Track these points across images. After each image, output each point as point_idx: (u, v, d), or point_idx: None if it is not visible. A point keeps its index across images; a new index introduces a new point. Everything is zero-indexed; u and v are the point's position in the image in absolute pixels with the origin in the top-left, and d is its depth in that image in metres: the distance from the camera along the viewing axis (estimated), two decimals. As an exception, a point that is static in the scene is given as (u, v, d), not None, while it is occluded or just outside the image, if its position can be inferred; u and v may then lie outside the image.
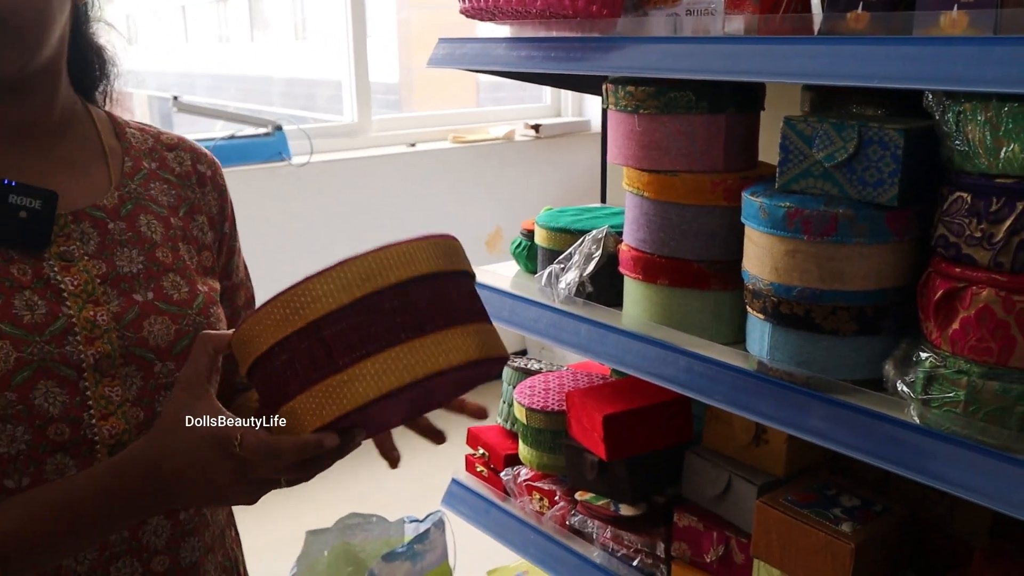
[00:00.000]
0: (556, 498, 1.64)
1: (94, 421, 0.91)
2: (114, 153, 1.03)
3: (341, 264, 0.79)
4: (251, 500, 0.86)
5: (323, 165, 3.60)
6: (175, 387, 0.84)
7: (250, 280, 1.19)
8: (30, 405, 0.87)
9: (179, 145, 1.09)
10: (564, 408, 1.62)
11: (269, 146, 3.54)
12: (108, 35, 1.09)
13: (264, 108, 9.44)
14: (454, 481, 1.86)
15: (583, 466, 1.55)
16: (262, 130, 3.57)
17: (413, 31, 8.02)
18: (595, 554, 1.57)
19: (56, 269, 0.92)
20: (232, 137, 3.51)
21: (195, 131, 3.83)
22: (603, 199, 2.07)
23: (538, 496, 1.68)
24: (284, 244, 3.57)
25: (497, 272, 1.79)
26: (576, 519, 1.59)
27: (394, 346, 0.78)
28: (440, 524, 2.19)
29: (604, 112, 2.05)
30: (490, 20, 1.53)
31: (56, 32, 0.93)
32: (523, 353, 4.18)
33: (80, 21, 1.03)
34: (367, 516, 2.26)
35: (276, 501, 3.28)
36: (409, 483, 3.32)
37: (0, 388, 0.86)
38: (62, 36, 0.95)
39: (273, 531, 3.04)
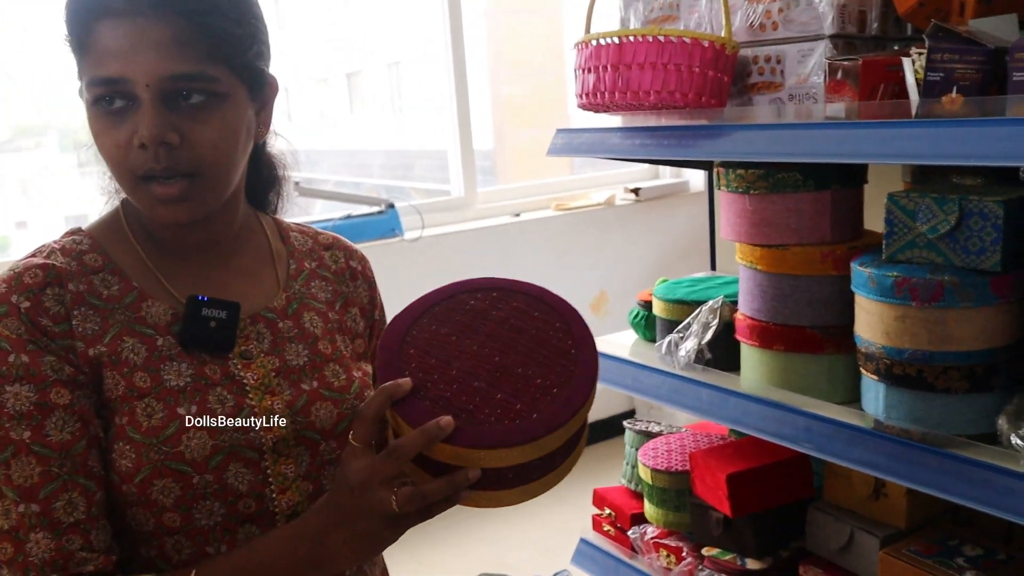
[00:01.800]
0: (683, 554, 1.73)
1: (274, 495, 1.04)
2: (280, 257, 1.15)
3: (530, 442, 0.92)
4: (395, 539, 0.97)
5: (434, 239, 3.78)
6: (346, 457, 0.96)
7: None
8: (224, 484, 1.00)
9: (334, 244, 1.22)
10: (687, 468, 1.72)
11: (383, 223, 3.74)
12: (276, 143, 1.20)
13: (365, 180, 9.82)
14: (583, 541, 1.96)
15: (708, 523, 1.64)
16: (375, 208, 3.78)
17: (505, 99, 8.29)
18: (724, 607, 1.65)
19: (239, 367, 1.05)
20: (348, 217, 3.73)
21: (311, 213, 4.07)
22: (712, 267, 2.17)
23: (665, 553, 1.77)
24: (400, 315, 3.75)
25: (617, 342, 1.91)
26: (704, 574, 1.68)
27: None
28: (568, 582, 2.30)
29: (710, 184, 2.17)
30: (604, 112, 1.68)
31: (241, 171, 1.05)
32: (632, 414, 4.27)
33: (258, 146, 1.15)
34: (496, 575, 2.38)
35: (409, 567, 3.42)
36: (531, 545, 3.42)
37: (200, 471, 0.99)
38: (243, 171, 1.08)
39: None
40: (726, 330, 1.62)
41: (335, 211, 3.82)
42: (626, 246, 4.18)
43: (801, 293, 1.46)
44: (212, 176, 0.99)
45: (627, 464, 1.95)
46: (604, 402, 4.19)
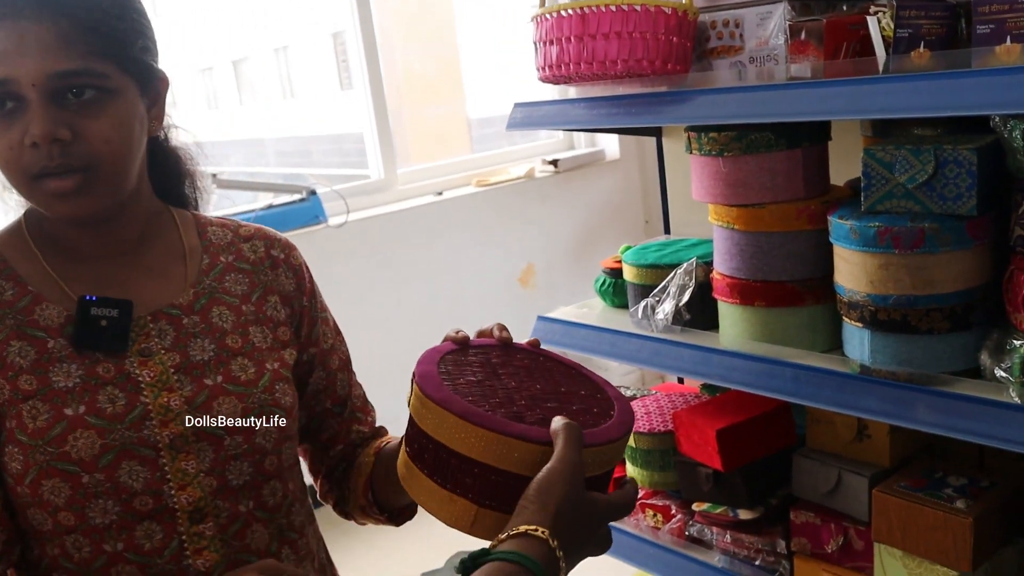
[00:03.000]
0: (672, 512, 1.78)
1: (173, 492, 1.04)
2: (193, 253, 1.15)
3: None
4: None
5: (359, 223, 3.74)
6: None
7: (343, 344, 1.31)
8: (116, 482, 1.01)
9: (255, 235, 1.22)
10: (670, 428, 1.76)
11: (306, 211, 3.67)
12: (179, 136, 1.20)
13: (261, 169, 9.59)
14: (565, 508, 1.99)
15: (697, 479, 1.69)
16: (297, 196, 3.71)
17: (397, 78, 8.21)
18: (716, 559, 1.71)
19: (136, 364, 1.06)
20: (270, 206, 3.65)
21: (229, 205, 3.97)
22: (667, 230, 2.22)
23: (652, 512, 1.82)
24: (332, 304, 3.70)
25: (583, 311, 1.93)
26: (694, 528, 1.73)
27: None
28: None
29: (660, 149, 2.21)
30: (566, 83, 1.69)
31: (137, 166, 1.06)
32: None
33: (156, 139, 1.14)
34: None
35: (388, 542, 3.42)
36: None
37: (89, 470, 1.00)
38: (141, 164, 1.09)
39: (385, 572, 3.15)
40: (701, 290, 1.66)
41: (255, 202, 3.73)
42: (550, 217, 4.21)
43: (779, 249, 1.51)
44: (106, 170, 1.00)
45: (603, 430, 1.98)
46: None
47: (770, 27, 1.54)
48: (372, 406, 1.32)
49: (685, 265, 1.67)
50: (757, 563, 1.65)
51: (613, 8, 1.52)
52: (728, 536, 1.67)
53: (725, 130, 1.51)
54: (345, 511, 1.28)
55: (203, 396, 1.07)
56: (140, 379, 1.05)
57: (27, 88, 0.95)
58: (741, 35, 1.57)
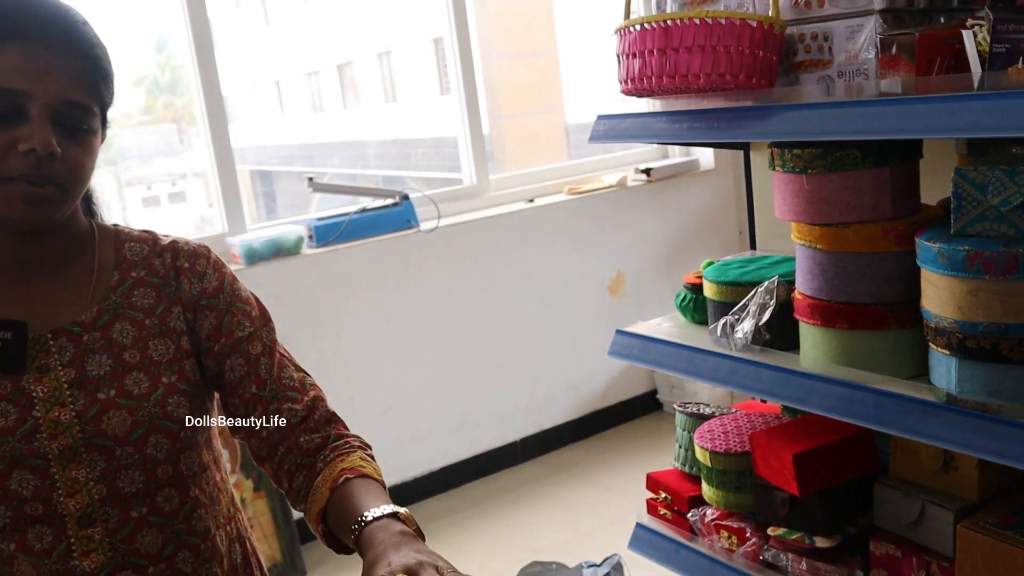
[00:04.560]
0: (747, 535, 1.74)
1: (62, 499, 1.13)
2: (104, 269, 1.22)
3: None
4: None
5: (450, 229, 3.77)
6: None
7: (269, 332, 1.30)
8: (7, 490, 1.11)
9: (167, 249, 1.27)
10: (746, 449, 1.72)
11: (398, 215, 3.73)
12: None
13: (362, 171, 9.78)
14: (639, 525, 1.96)
15: (773, 503, 1.64)
16: (390, 201, 3.77)
17: (500, 85, 8.26)
18: (791, 586, 1.66)
19: (31, 381, 1.14)
20: (364, 210, 3.71)
21: (326, 208, 4.06)
22: (752, 246, 2.17)
23: (726, 534, 1.78)
24: (422, 308, 3.75)
25: (664, 326, 1.90)
26: (769, 553, 1.68)
27: None
28: (619, 567, 2.30)
29: (747, 164, 2.17)
30: (649, 96, 1.66)
31: (85, 190, 1.18)
32: (654, 393, 4.28)
33: None
34: (547, 564, 2.38)
35: (463, 544, 3.45)
36: (562, 528, 3.44)
37: None
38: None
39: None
40: (782, 310, 1.62)
41: (350, 205, 3.80)
42: (641, 226, 4.18)
43: (864, 270, 1.46)
44: (72, 192, 1.13)
45: (680, 447, 1.95)
46: (625, 383, 4.20)
47: (860, 40, 1.49)
48: (313, 389, 1.30)
49: (766, 283, 1.63)
50: (834, 593, 1.60)
51: (697, 21, 1.49)
52: (804, 564, 1.62)
53: (809, 147, 1.47)
54: (297, 509, 1.27)
55: (94, 410, 1.15)
56: (34, 394, 1.14)
57: (38, 105, 1.07)
58: (830, 48, 1.53)
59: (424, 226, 3.74)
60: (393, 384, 3.73)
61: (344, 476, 1.16)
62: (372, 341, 3.67)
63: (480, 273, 3.86)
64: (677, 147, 4.34)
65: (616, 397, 4.25)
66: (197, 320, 1.25)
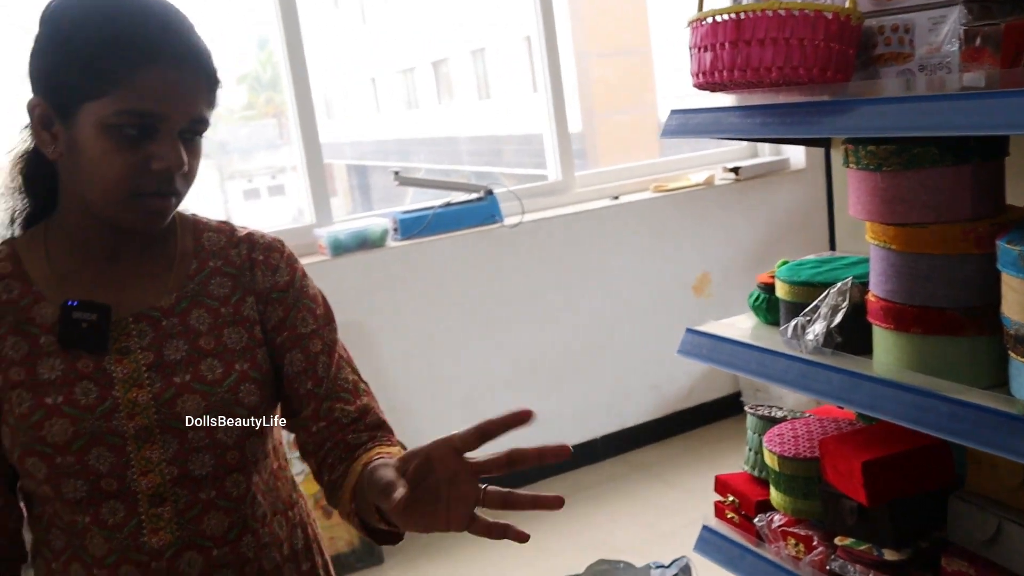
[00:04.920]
0: (814, 543, 1.68)
1: (136, 477, 1.17)
2: (184, 257, 1.27)
3: None
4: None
5: (534, 224, 3.77)
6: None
7: (331, 332, 1.34)
8: (85, 465, 1.15)
9: (242, 240, 1.31)
10: (816, 454, 1.67)
11: (482, 210, 3.75)
12: None
13: (456, 167, 9.87)
14: (705, 528, 1.93)
15: (842, 511, 1.59)
16: (475, 195, 3.79)
17: (592, 81, 8.22)
18: (859, 598, 1.60)
19: (112, 362, 1.19)
20: (448, 204, 3.75)
21: (411, 201, 4.10)
22: (832, 246, 2.10)
23: (793, 541, 1.73)
24: (504, 303, 3.76)
25: (736, 325, 1.86)
26: (836, 564, 1.63)
27: None
28: (687, 569, 2.26)
29: (827, 161, 2.10)
30: (721, 91, 1.63)
31: None
32: (738, 396, 4.20)
33: None
34: (615, 563, 2.35)
35: (517, 548, 3.44)
36: (646, 530, 3.40)
37: (62, 453, 1.15)
38: None
39: (504, 569, 3.18)
40: (856, 312, 1.56)
41: (435, 199, 3.84)
42: (727, 226, 4.10)
43: (940, 273, 1.40)
44: (184, 197, 1.20)
45: (750, 450, 1.91)
46: (708, 384, 4.14)
47: (943, 32, 1.42)
48: (366, 395, 1.33)
49: (840, 285, 1.58)
50: (903, 608, 1.54)
51: (770, 13, 1.45)
52: (872, 576, 1.56)
53: (884, 143, 1.41)
54: (332, 504, 1.29)
55: (170, 393, 1.19)
56: (114, 375, 1.18)
57: (171, 124, 1.12)
58: (911, 41, 1.47)
59: (508, 221, 3.74)
60: (473, 377, 3.75)
61: (380, 457, 1.17)
62: (453, 334, 3.69)
63: (563, 269, 3.85)
64: (767, 146, 4.24)
65: (698, 399, 4.18)
66: (266, 312, 1.29)
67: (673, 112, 1.75)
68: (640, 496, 3.68)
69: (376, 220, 3.62)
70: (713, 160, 4.29)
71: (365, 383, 1.35)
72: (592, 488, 3.79)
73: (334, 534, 3.39)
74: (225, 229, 1.32)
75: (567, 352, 3.92)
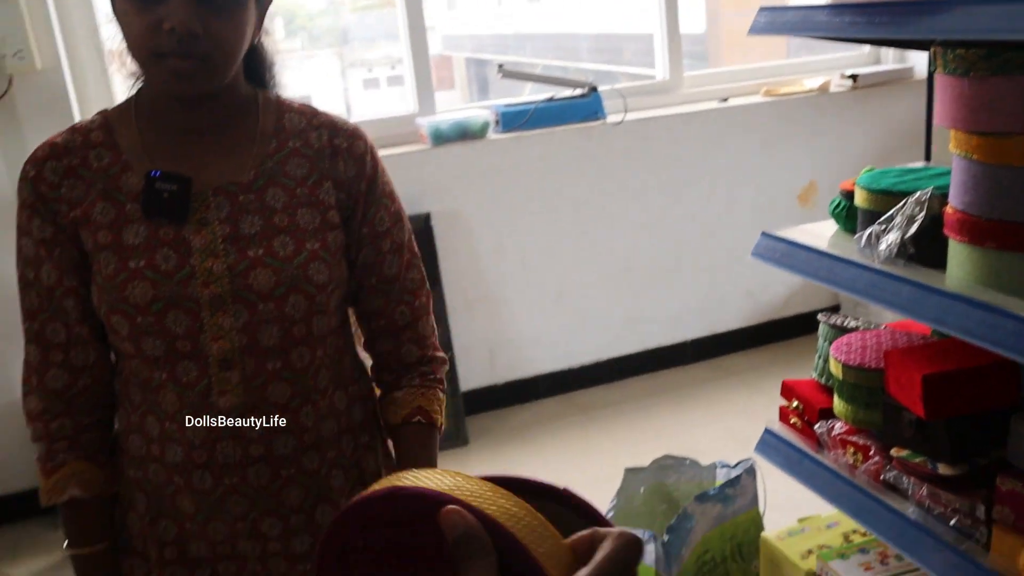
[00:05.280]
0: (871, 453, 1.68)
1: (208, 341, 1.25)
2: (264, 136, 1.31)
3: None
4: None
5: (636, 123, 3.73)
6: None
7: (403, 233, 1.40)
8: (163, 326, 1.24)
9: (324, 124, 1.34)
10: (881, 366, 1.65)
11: (585, 107, 3.72)
12: (270, 36, 1.38)
13: (573, 64, 9.73)
14: (767, 431, 1.94)
15: (900, 423, 1.58)
16: (579, 91, 3.76)
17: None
18: (910, 510, 1.60)
19: (191, 232, 1.25)
20: (551, 100, 3.73)
21: (517, 95, 4.10)
22: (927, 157, 2.03)
23: (852, 450, 1.73)
24: (602, 200, 3.76)
25: (815, 231, 1.83)
26: (891, 474, 1.63)
27: None
28: (752, 471, 2.30)
29: (931, 66, 2.01)
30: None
31: (238, 64, 1.25)
32: (836, 309, 4.12)
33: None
34: (681, 459, 2.41)
35: (597, 440, 3.55)
36: (723, 431, 3.43)
37: (143, 314, 1.23)
38: (240, 62, 1.25)
39: (593, 467, 3.27)
40: (933, 224, 1.52)
41: (539, 94, 3.83)
42: (840, 135, 3.96)
43: (1021, 186, 1.34)
44: (218, 63, 1.20)
45: (819, 358, 1.90)
46: (806, 296, 4.07)
47: (1053, -70, 1.33)
48: (427, 296, 1.43)
49: (918, 194, 1.53)
50: (952, 523, 1.53)
51: (867, -96, 1.39)
52: (925, 489, 1.56)
53: (975, 47, 1.35)
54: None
55: (243, 265, 1.24)
56: (192, 244, 1.24)
57: None
58: (1019, -62, 1.38)
59: (610, 119, 3.71)
60: (567, 273, 3.79)
61: (418, 418, 1.34)
62: (549, 228, 3.73)
63: (664, 170, 3.81)
64: (890, 53, 4.04)
65: (794, 309, 4.13)
66: (345, 201, 1.34)
67: (762, 10, 1.70)
68: (724, 401, 3.69)
69: (478, 112, 3.64)
70: (831, 66, 4.12)
71: (428, 286, 1.44)
72: (677, 390, 3.82)
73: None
74: (307, 112, 1.36)
75: (662, 253, 3.91)
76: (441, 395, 1.42)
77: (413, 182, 3.38)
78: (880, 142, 3.98)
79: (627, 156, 3.75)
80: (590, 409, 3.71)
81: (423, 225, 3.45)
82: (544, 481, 0.68)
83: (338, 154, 1.33)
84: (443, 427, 1.42)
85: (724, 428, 3.46)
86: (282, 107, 1.35)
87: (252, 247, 1.26)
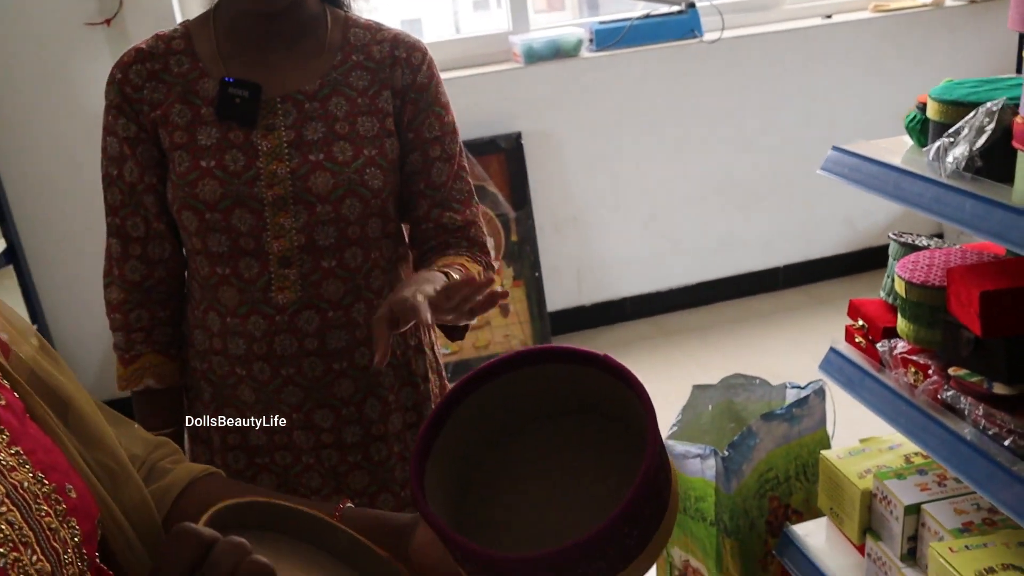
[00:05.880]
0: (930, 372, 1.65)
1: (269, 239, 1.33)
2: (331, 49, 1.39)
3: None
4: None
5: (734, 41, 3.63)
6: None
7: (453, 142, 1.43)
8: (228, 224, 1.32)
9: (386, 39, 1.40)
10: (944, 283, 1.61)
11: (682, 24, 3.64)
12: None
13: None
14: (832, 349, 1.92)
15: (959, 342, 1.54)
16: (675, 8, 3.67)
17: None
18: (966, 431, 1.57)
19: (259, 136, 1.33)
20: (647, 16, 3.66)
21: (614, 11, 4.03)
22: (1019, 69, 1.92)
23: (912, 369, 1.70)
24: (696, 121, 3.69)
25: (887, 147, 1.78)
26: (948, 394, 1.60)
27: None
28: (821, 392, 2.28)
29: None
30: None
31: None
32: (939, 236, 3.97)
33: None
34: (751, 378, 2.41)
35: (681, 363, 3.56)
36: (805, 359, 3.39)
37: (211, 210, 1.32)
38: None
39: (661, 383, 3.30)
40: (1004, 137, 1.46)
41: (633, 11, 3.76)
42: (954, 53, 3.77)
43: (1092, 94, 1.28)
44: None
45: (887, 276, 1.86)
46: (906, 224, 3.93)
47: None
48: (477, 207, 1.46)
49: (989, 104, 1.46)
50: (1007, 443, 1.50)
51: None
52: (981, 409, 1.53)
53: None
54: None
55: (305, 168, 1.32)
56: (259, 147, 1.32)
57: None
58: None
59: (707, 37, 3.63)
60: (659, 195, 3.76)
61: (456, 266, 1.34)
62: (642, 149, 3.70)
63: (762, 90, 3.71)
64: (1015, -37, 3.79)
65: (876, 230, 3.99)
66: (401, 107, 1.40)
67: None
68: (812, 329, 3.64)
69: (571, 29, 3.60)
70: (948, -21, 3.90)
71: (476, 201, 1.47)
72: (767, 316, 3.78)
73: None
74: (372, 27, 1.43)
75: (758, 176, 3.83)
76: (488, 265, 1.44)
77: (505, 101, 3.40)
78: (999, 59, 3.77)
79: (724, 75, 3.67)
80: (675, 333, 3.71)
81: (514, 144, 3.46)
82: (586, 349, 0.84)
83: (397, 63, 1.40)
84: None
85: (810, 355, 3.41)
86: (348, 23, 1.42)
87: (314, 152, 1.33)
